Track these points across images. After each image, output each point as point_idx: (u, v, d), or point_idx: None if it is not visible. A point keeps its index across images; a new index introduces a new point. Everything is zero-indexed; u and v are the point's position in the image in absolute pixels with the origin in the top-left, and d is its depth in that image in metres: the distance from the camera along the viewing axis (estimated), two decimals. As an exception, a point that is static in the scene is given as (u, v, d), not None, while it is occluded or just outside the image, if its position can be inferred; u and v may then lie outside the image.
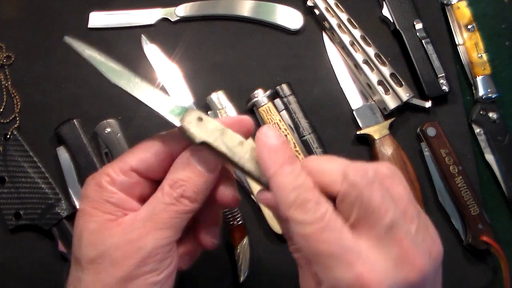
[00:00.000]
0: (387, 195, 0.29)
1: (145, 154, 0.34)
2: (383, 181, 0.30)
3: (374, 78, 0.59)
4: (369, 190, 0.28)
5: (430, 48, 0.61)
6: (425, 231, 0.29)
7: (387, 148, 0.57)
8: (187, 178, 0.33)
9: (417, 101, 0.60)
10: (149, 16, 0.64)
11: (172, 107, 0.34)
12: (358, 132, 0.59)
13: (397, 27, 0.62)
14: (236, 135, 0.33)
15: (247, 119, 0.36)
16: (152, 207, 0.33)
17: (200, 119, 0.33)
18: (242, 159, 0.33)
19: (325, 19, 0.62)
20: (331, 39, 0.63)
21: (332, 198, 0.30)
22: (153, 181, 0.36)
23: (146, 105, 0.34)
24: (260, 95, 0.58)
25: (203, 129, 0.33)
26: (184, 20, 0.64)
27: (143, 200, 0.35)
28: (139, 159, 0.34)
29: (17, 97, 0.61)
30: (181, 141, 0.34)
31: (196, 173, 0.33)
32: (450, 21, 0.64)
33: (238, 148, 0.33)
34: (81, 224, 0.33)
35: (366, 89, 0.61)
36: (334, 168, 0.30)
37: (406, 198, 0.30)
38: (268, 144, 0.31)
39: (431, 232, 0.30)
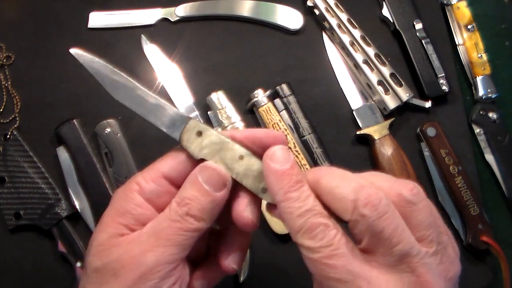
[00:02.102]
0: (401, 225, 0.28)
1: (175, 161, 0.34)
2: (402, 207, 0.29)
3: (374, 78, 0.59)
4: (379, 223, 0.27)
5: (430, 48, 0.61)
6: (443, 253, 0.29)
7: (387, 148, 0.57)
8: (193, 196, 0.32)
9: (417, 101, 0.60)
10: (149, 16, 0.64)
11: (173, 117, 0.34)
12: (358, 132, 0.59)
13: (397, 27, 0.62)
14: (238, 149, 0.33)
15: (264, 134, 0.34)
16: (158, 223, 0.32)
17: (199, 133, 0.33)
18: (239, 175, 0.33)
19: (325, 19, 0.62)
20: (331, 39, 0.63)
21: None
22: None
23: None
24: (260, 95, 0.58)
25: (203, 142, 0.33)
26: (184, 20, 0.64)
27: None
28: (170, 166, 0.34)
29: (17, 97, 0.61)
30: None
31: (202, 192, 0.32)
32: (450, 21, 0.64)
33: (237, 164, 0.33)
34: (95, 233, 0.33)
35: (366, 89, 0.61)
36: (345, 194, 0.29)
37: (426, 223, 0.29)
38: (273, 169, 0.31)
39: (450, 252, 0.30)
